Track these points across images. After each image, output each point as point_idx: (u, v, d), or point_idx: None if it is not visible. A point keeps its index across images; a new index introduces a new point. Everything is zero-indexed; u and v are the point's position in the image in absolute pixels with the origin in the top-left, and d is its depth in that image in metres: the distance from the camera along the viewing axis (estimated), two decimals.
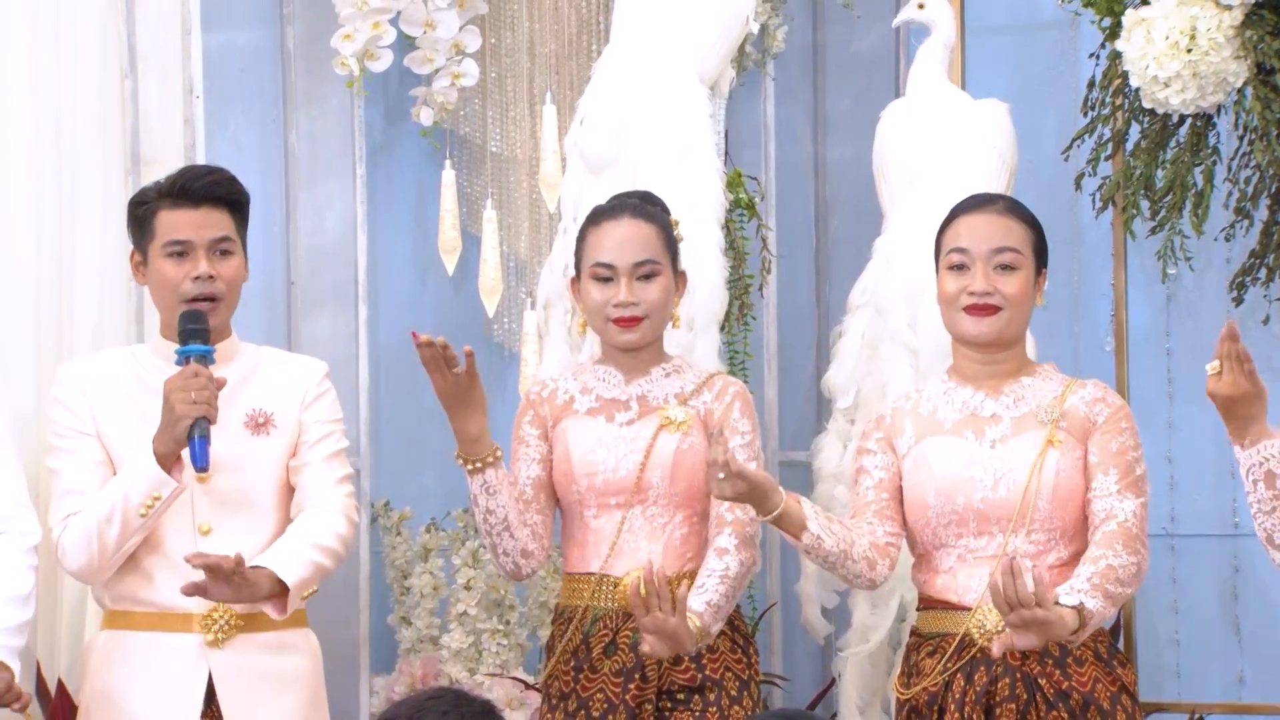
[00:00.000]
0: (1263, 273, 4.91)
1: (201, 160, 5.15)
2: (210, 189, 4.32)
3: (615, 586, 4.29)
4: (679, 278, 4.39)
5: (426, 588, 5.43)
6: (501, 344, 5.76)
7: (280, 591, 4.18)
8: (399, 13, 5.35)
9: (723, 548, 4.25)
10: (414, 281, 5.73)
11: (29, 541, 4.22)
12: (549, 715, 4.35)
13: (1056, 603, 3.89)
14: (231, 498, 4.30)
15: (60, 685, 4.85)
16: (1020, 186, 5.18)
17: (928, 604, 4.24)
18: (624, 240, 4.30)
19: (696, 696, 4.27)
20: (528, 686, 5.26)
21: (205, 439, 4.12)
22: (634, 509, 4.30)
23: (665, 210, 4.44)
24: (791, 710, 4.13)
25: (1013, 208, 4.29)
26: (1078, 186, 5.09)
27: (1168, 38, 4.71)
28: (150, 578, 4.27)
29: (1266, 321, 5.06)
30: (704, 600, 4.16)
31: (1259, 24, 4.71)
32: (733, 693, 4.29)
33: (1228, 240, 4.95)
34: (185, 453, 4.16)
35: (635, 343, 4.33)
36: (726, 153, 5.33)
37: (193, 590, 4.07)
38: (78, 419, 4.31)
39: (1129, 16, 4.80)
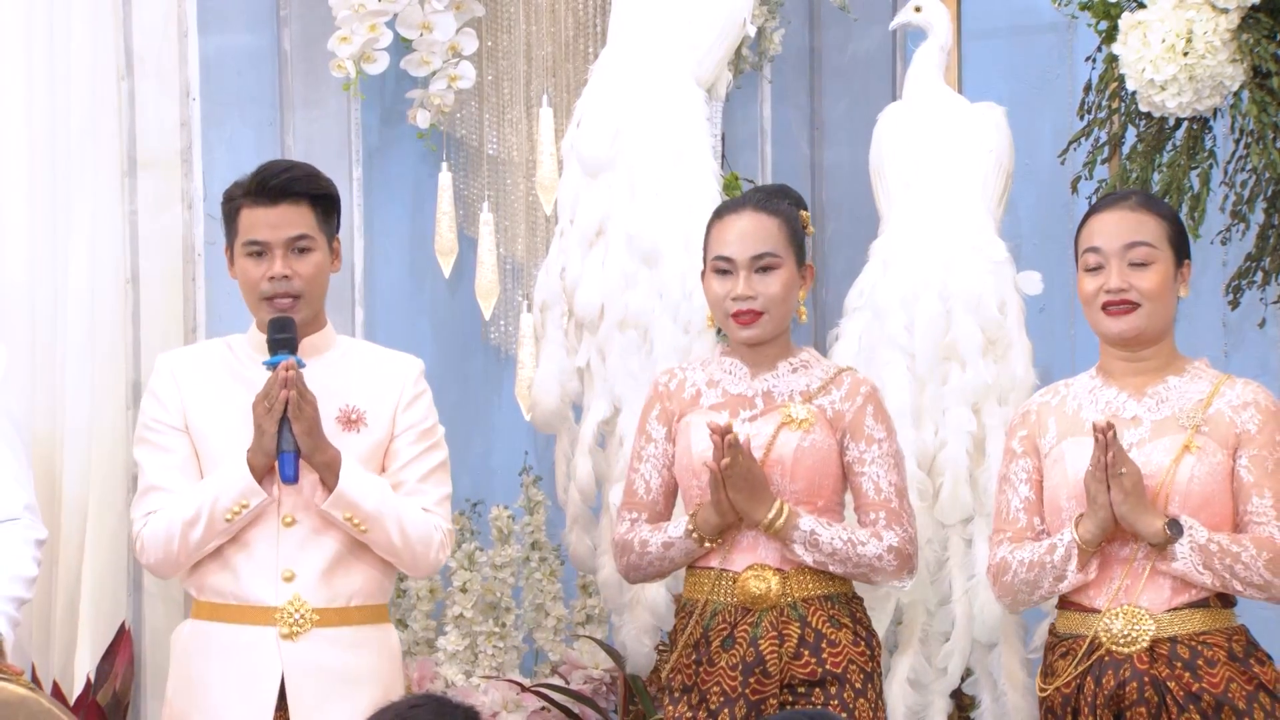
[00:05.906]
0: (1259, 276, 4.91)
1: (198, 163, 5.15)
2: (288, 185, 4.31)
3: (734, 582, 4.28)
4: (805, 271, 4.36)
5: (422, 590, 5.43)
6: (498, 347, 5.76)
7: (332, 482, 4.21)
8: (395, 15, 5.34)
9: (872, 519, 4.28)
10: (410, 284, 5.72)
11: (37, 536, 4.23)
12: (672, 709, 4.35)
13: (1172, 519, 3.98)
14: (318, 492, 4.28)
15: (55, 686, 4.85)
16: (1017, 190, 5.19)
17: (1063, 604, 4.20)
18: (743, 233, 4.29)
19: (818, 690, 4.25)
20: (524, 689, 5.26)
21: (295, 454, 4.17)
22: None
23: (796, 204, 4.40)
24: (815, 711, 4.12)
25: (1145, 202, 4.21)
26: (1074, 189, 5.09)
27: (1164, 41, 4.71)
28: (234, 570, 4.28)
29: (1263, 325, 5.06)
30: (814, 520, 4.21)
31: (1255, 27, 4.71)
32: (857, 685, 4.26)
33: (1224, 244, 4.95)
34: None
35: (756, 338, 4.31)
36: (723, 155, 5.33)
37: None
38: (168, 413, 4.33)
39: (1125, 20, 4.80)
